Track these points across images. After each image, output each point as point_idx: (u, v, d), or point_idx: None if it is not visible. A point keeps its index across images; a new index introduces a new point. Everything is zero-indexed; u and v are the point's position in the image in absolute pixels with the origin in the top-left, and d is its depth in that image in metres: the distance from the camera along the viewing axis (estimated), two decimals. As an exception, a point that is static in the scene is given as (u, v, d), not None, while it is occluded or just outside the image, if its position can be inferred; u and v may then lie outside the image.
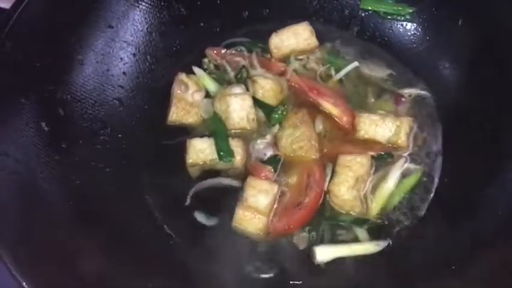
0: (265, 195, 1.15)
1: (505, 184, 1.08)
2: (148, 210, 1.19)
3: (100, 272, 0.98)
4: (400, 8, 1.37)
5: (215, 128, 1.26)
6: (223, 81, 1.34)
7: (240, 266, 1.12)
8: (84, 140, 1.18)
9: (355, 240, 1.14)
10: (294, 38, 1.37)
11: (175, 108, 1.28)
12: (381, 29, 1.41)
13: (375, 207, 1.17)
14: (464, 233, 1.07)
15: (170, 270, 1.07)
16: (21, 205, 0.98)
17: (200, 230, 1.16)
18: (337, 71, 1.34)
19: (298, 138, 1.23)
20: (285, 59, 1.38)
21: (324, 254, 1.11)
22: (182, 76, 1.31)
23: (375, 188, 1.19)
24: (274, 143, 1.25)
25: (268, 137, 1.25)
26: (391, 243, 1.12)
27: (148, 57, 1.35)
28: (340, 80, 1.34)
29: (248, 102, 1.26)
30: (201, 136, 1.24)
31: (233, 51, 1.39)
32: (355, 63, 1.34)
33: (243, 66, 1.35)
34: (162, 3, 1.35)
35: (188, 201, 1.19)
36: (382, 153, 1.23)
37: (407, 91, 1.32)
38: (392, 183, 1.18)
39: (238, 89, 1.29)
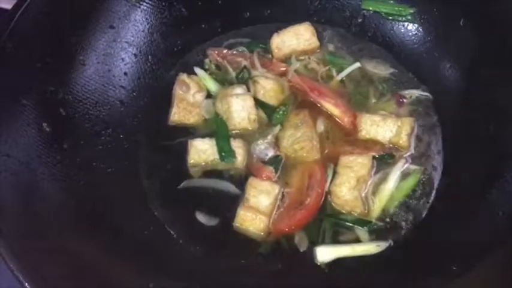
0: (266, 196, 1.15)
1: (505, 185, 1.08)
2: (149, 211, 1.19)
3: (101, 272, 0.98)
4: (401, 9, 1.37)
5: (216, 128, 1.26)
6: (224, 82, 1.35)
7: (241, 266, 1.12)
8: (85, 140, 1.18)
9: (356, 240, 1.14)
10: (295, 39, 1.37)
11: (177, 108, 1.29)
12: (382, 30, 1.41)
13: (377, 208, 1.17)
14: (465, 233, 1.07)
15: (171, 270, 1.07)
16: (23, 205, 0.98)
17: (201, 230, 1.16)
18: (338, 71, 1.34)
19: (299, 139, 1.23)
20: (286, 60, 1.38)
21: (325, 254, 1.11)
22: (183, 76, 1.32)
23: (375, 189, 1.19)
24: (276, 144, 1.25)
25: (270, 138, 1.26)
26: (392, 244, 1.12)
27: (149, 57, 1.35)
28: (342, 81, 1.34)
29: (249, 102, 1.26)
30: (203, 136, 1.25)
31: (234, 52, 1.39)
32: (357, 64, 1.34)
33: (244, 67, 1.35)
34: (163, 4, 1.35)
35: (182, 187, 1.20)
36: (383, 153, 1.23)
37: (408, 92, 1.32)
38: (393, 183, 1.19)
39: (239, 90, 1.29)
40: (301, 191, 1.19)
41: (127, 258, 1.03)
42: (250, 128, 1.26)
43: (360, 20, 1.43)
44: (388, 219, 1.16)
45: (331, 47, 1.40)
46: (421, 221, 1.16)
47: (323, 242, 1.14)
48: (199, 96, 1.31)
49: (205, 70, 1.36)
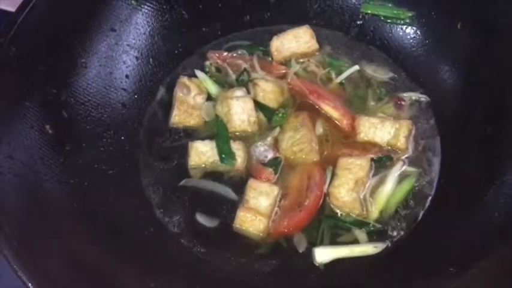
0: (266, 197, 1.17)
1: (502, 187, 1.09)
2: (150, 212, 1.20)
3: (102, 272, 0.99)
4: (399, 12, 1.38)
5: (217, 130, 1.27)
6: (224, 84, 1.36)
7: (241, 267, 1.13)
8: (87, 142, 1.20)
9: (355, 241, 1.15)
10: (295, 41, 1.38)
11: (178, 110, 1.30)
12: (381, 33, 1.42)
13: (375, 210, 1.18)
14: (462, 235, 1.08)
15: (172, 270, 1.08)
16: (26, 207, 0.99)
17: (201, 231, 1.17)
18: (338, 74, 1.36)
19: (298, 141, 1.24)
20: (286, 62, 1.39)
21: (323, 255, 1.12)
22: (184, 79, 1.33)
23: (374, 191, 1.20)
24: (275, 146, 1.26)
25: (269, 140, 1.27)
26: (389, 245, 1.14)
27: (150, 60, 1.36)
28: (341, 83, 1.35)
29: (249, 105, 1.27)
30: (203, 138, 1.26)
31: (234, 54, 1.40)
32: (356, 67, 1.35)
33: (244, 69, 1.37)
34: (165, 7, 1.36)
35: (182, 184, 1.22)
36: (382, 156, 1.24)
37: (406, 94, 1.33)
38: (391, 185, 1.20)
39: (239, 92, 1.30)
40: (300, 192, 1.20)
41: (128, 258, 1.05)
42: (250, 130, 1.28)
43: (358, 23, 1.44)
44: (386, 221, 1.17)
45: (330, 50, 1.41)
46: (419, 222, 1.17)
47: (321, 243, 1.15)
48: (200, 99, 1.32)
49: (206, 73, 1.37)
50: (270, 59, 1.40)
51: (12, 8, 1.46)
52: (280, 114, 1.29)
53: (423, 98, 1.33)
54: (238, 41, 1.43)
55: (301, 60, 1.39)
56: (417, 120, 1.30)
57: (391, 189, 1.19)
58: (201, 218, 1.19)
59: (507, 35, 1.20)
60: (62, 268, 0.94)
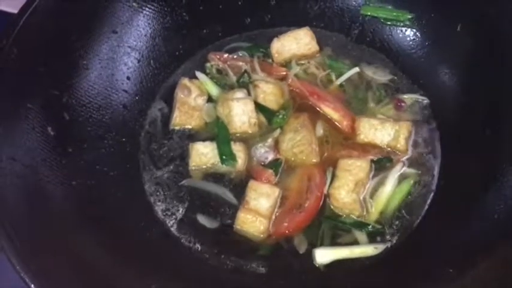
0: (266, 199, 1.17)
1: (502, 189, 1.09)
2: (151, 213, 1.21)
3: (105, 273, 1.00)
4: (399, 14, 1.39)
5: (217, 132, 1.28)
6: (225, 86, 1.37)
7: (241, 268, 1.14)
8: (89, 143, 1.20)
9: (355, 242, 1.15)
10: (295, 43, 1.39)
11: (178, 112, 1.30)
12: (381, 35, 1.42)
13: (375, 211, 1.18)
14: (462, 236, 1.09)
15: (173, 271, 1.09)
16: (28, 208, 1.00)
17: (202, 232, 1.18)
18: (338, 76, 1.36)
19: (299, 142, 1.25)
20: (286, 64, 1.39)
21: (324, 256, 1.13)
22: (185, 80, 1.34)
23: (374, 192, 1.20)
24: (276, 147, 1.26)
25: (270, 141, 1.27)
26: (389, 246, 1.14)
27: (151, 61, 1.37)
28: (341, 85, 1.36)
29: (250, 106, 1.28)
30: (204, 140, 1.27)
31: (235, 56, 1.41)
32: (356, 69, 1.36)
33: (245, 71, 1.37)
34: (166, 9, 1.37)
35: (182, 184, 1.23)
36: (382, 157, 1.24)
37: (406, 96, 1.34)
38: (391, 187, 1.20)
39: (240, 94, 1.31)
40: (301, 193, 1.20)
41: (130, 259, 1.05)
42: (250, 132, 1.28)
43: (358, 25, 1.44)
44: (386, 222, 1.18)
45: (330, 52, 1.42)
46: (418, 223, 1.18)
47: (322, 244, 1.15)
48: (201, 100, 1.33)
49: (207, 74, 1.37)
50: (270, 60, 1.40)
51: (11, 9, 1.48)
52: (280, 116, 1.29)
53: (423, 99, 1.33)
54: (238, 43, 1.44)
55: (301, 62, 1.40)
56: (417, 121, 1.30)
57: (391, 190, 1.20)
58: (201, 219, 1.20)
59: (506, 37, 1.21)
60: (63, 269, 0.95)
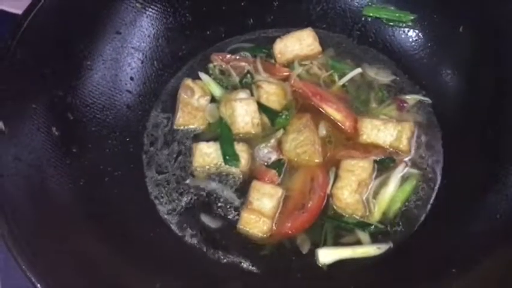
0: (269, 199, 1.18)
1: (503, 189, 1.10)
2: (155, 212, 1.21)
3: (110, 272, 1.01)
4: (401, 15, 1.39)
5: (221, 132, 1.28)
6: (228, 86, 1.37)
7: (245, 267, 1.14)
8: (93, 144, 1.21)
9: (357, 243, 1.16)
10: (298, 44, 1.39)
11: (182, 112, 1.31)
12: (383, 35, 1.43)
13: (377, 211, 1.19)
14: (464, 236, 1.09)
15: (177, 270, 1.09)
16: (33, 207, 1.00)
17: (206, 232, 1.19)
18: (340, 76, 1.36)
19: (302, 143, 1.25)
20: (289, 64, 1.40)
21: (327, 256, 1.14)
22: (188, 81, 1.34)
23: (376, 192, 1.21)
24: (278, 147, 1.27)
25: (273, 142, 1.27)
26: (392, 246, 1.14)
27: (155, 62, 1.37)
28: (343, 86, 1.36)
29: (253, 107, 1.28)
30: (207, 140, 1.27)
31: (238, 57, 1.41)
32: (358, 70, 1.36)
33: (248, 72, 1.38)
34: (169, 10, 1.37)
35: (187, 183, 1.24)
36: (384, 157, 1.25)
37: (409, 97, 1.34)
38: (393, 187, 1.20)
39: (243, 94, 1.32)
40: (304, 194, 1.21)
41: (134, 258, 1.06)
42: (253, 132, 1.29)
43: (360, 26, 1.44)
44: (388, 222, 1.18)
45: (332, 52, 1.42)
46: (421, 223, 1.18)
47: (325, 244, 1.16)
48: (204, 101, 1.33)
49: (210, 75, 1.38)
50: (273, 61, 1.41)
51: (12, 9, 1.49)
52: (283, 116, 1.30)
53: (425, 100, 1.34)
54: (241, 44, 1.44)
55: (304, 62, 1.40)
56: (419, 122, 1.31)
57: (393, 190, 1.20)
58: (205, 219, 1.20)
59: (508, 38, 1.21)
60: (69, 268, 0.96)
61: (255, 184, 1.20)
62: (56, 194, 1.07)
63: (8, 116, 1.05)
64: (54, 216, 1.03)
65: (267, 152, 1.27)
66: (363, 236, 1.16)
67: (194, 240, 1.18)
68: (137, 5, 1.32)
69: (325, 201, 1.20)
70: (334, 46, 1.44)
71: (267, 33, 1.46)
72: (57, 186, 1.08)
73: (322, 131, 1.29)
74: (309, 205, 1.18)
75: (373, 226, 1.17)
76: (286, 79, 1.37)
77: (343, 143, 1.28)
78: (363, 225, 1.17)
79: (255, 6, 1.44)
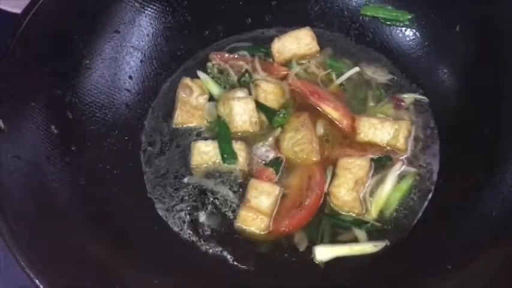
0: (267, 197, 1.18)
1: (499, 186, 1.11)
2: (153, 211, 1.22)
3: (108, 269, 1.01)
4: (399, 15, 1.40)
5: (219, 130, 1.29)
6: (226, 85, 1.38)
7: (242, 265, 1.15)
8: (92, 142, 1.22)
9: (354, 240, 1.16)
10: (296, 43, 1.40)
11: (180, 111, 1.32)
12: (380, 35, 1.43)
13: (374, 209, 1.20)
14: (460, 234, 1.10)
15: (175, 268, 1.10)
16: (32, 206, 1.01)
17: (204, 229, 1.19)
18: (338, 75, 1.37)
19: (299, 141, 1.26)
20: (287, 63, 1.40)
21: (324, 253, 1.14)
22: (187, 80, 1.35)
23: (373, 190, 1.22)
24: (276, 146, 1.28)
25: (270, 140, 1.28)
26: (388, 244, 1.15)
27: (153, 61, 1.38)
28: (341, 85, 1.37)
29: (251, 105, 1.29)
30: (205, 138, 1.28)
31: (236, 56, 1.42)
32: (356, 69, 1.37)
33: (246, 71, 1.38)
34: (167, 9, 1.38)
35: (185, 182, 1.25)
36: (381, 156, 1.26)
37: (406, 96, 1.35)
38: (390, 185, 1.21)
39: (241, 93, 1.32)
40: (301, 192, 1.22)
41: (132, 255, 1.06)
42: (251, 131, 1.29)
43: (358, 25, 1.45)
44: (385, 220, 1.19)
45: (330, 52, 1.43)
46: (417, 221, 1.19)
47: (322, 242, 1.16)
48: (202, 99, 1.34)
49: (208, 74, 1.38)
50: (271, 60, 1.41)
51: (11, 8, 1.50)
52: (281, 115, 1.30)
53: (422, 99, 1.34)
54: (240, 43, 1.45)
55: (302, 61, 1.41)
56: (416, 120, 1.31)
57: (390, 188, 1.21)
58: (203, 217, 1.21)
59: (505, 37, 1.22)
60: (68, 265, 0.96)
61: (253, 182, 1.20)
62: (55, 192, 1.08)
63: (7, 114, 1.06)
64: (53, 213, 1.03)
65: (264, 151, 1.27)
66: (360, 233, 1.17)
67: (192, 238, 1.18)
68: (136, 4, 1.33)
69: (322, 199, 1.21)
70: (332, 45, 1.44)
71: (265, 33, 1.46)
72: (57, 184, 1.09)
73: (320, 129, 1.29)
74: (306, 203, 1.19)
75: (369, 224, 1.18)
76: (284, 78, 1.37)
77: (340, 141, 1.29)
78: (360, 223, 1.18)
79: (253, 6, 1.45)
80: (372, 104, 1.35)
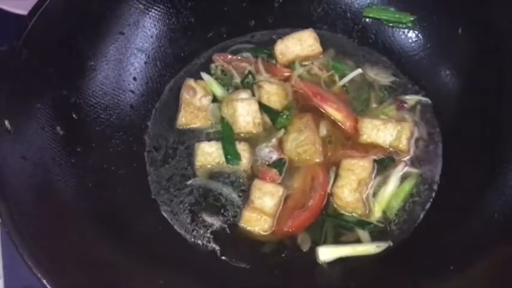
0: (270, 197, 1.19)
1: (501, 188, 1.11)
2: (158, 211, 1.23)
3: (114, 269, 1.02)
4: (401, 16, 1.40)
5: (223, 132, 1.30)
6: (229, 86, 1.38)
7: (246, 265, 1.16)
8: (97, 143, 1.22)
9: (357, 241, 1.17)
10: (299, 45, 1.41)
11: (184, 112, 1.33)
12: (383, 36, 1.44)
13: (377, 210, 1.20)
14: (463, 235, 1.10)
15: (180, 267, 1.11)
16: (38, 206, 1.02)
17: (208, 230, 1.20)
18: (341, 77, 1.38)
19: (302, 142, 1.26)
20: (290, 65, 1.41)
21: (327, 254, 1.15)
22: (190, 81, 1.36)
23: (376, 191, 1.22)
24: (280, 147, 1.28)
25: (274, 141, 1.29)
26: (391, 244, 1.16)
27: (157, 62, 1.39)
28: (344, 86, 1.37)
29: (254, 107, 1.30)
30: (209, 140, 1.29)
31: (239, 57, 1.42)
32: (359, 70, 1.37)
33: (249, 72, 1.39)
34: (171, 11, 1.39)
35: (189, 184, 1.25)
36: (384, 157, 1.26)
37: (408, 97, 1.35)
38: (392, 186, 1.22)
39: (244, 94, 1.33)
40: (304, 192, 1.22)
41: (137, 256, 1.07)
42: (255, 132, 1.30)
43: (361, 27, 1.45)
44: (388, 221, 1.19)
45: (333, 53, 1.44)
46: (420, 222, 1.19)
47: (325, 242, 1.17)
48: (206, 101, 1.35)
49: (211, 75, 1.39)
50: (274, 62, 1.42)
51: (16, 10, 1.50)
52: (284, 116, 1.31)
53: (425, 100, 1.35)
54: (243, 44, 1.45)
55: (305, 63, 1.41)
56: (419, 122, 1.32)
57: (393, 189, 1.22)
58: (207, 217, 1.22)
59: (507, 39, 1.22)
60: (73, 265, 0.97)
61: (257, 183, 1.21)
62: (60, 192, 1.08)
63: (13, 115, 1.07)
64: (59, 214, 1.04)
65: (268, 152, 1.28)
66: (363, 234, 1.17)
67: (196, 239, 1.19)
68: (140, 6, 1.34)
69: (325, 200, 1.21)
70: (335, 47, 1.45)
71: (268, 34, 1.47)
72: (62, 185, 1.09)
73: (323, 130, 1.30)
74: (310, 204, 1.20)
75: (372, 224, 1.18)
76: (287, 79, 1.38)
77: (343, 142, 1.30)
78: (363, 223, 1.19)
79: (257, 8, 1.45)
80: (374, 105, 1.35)
